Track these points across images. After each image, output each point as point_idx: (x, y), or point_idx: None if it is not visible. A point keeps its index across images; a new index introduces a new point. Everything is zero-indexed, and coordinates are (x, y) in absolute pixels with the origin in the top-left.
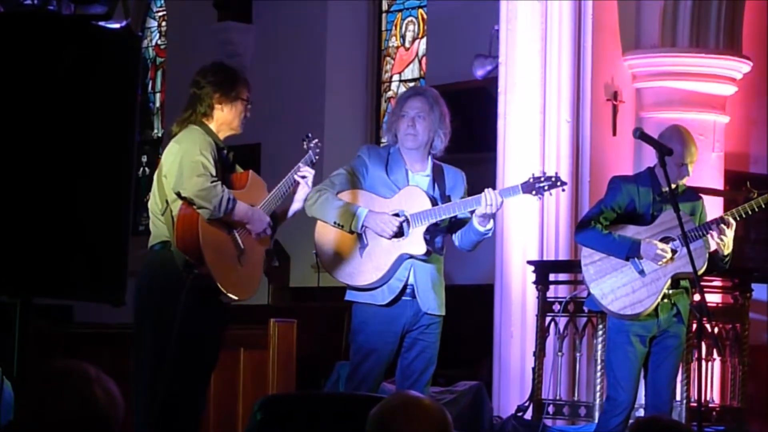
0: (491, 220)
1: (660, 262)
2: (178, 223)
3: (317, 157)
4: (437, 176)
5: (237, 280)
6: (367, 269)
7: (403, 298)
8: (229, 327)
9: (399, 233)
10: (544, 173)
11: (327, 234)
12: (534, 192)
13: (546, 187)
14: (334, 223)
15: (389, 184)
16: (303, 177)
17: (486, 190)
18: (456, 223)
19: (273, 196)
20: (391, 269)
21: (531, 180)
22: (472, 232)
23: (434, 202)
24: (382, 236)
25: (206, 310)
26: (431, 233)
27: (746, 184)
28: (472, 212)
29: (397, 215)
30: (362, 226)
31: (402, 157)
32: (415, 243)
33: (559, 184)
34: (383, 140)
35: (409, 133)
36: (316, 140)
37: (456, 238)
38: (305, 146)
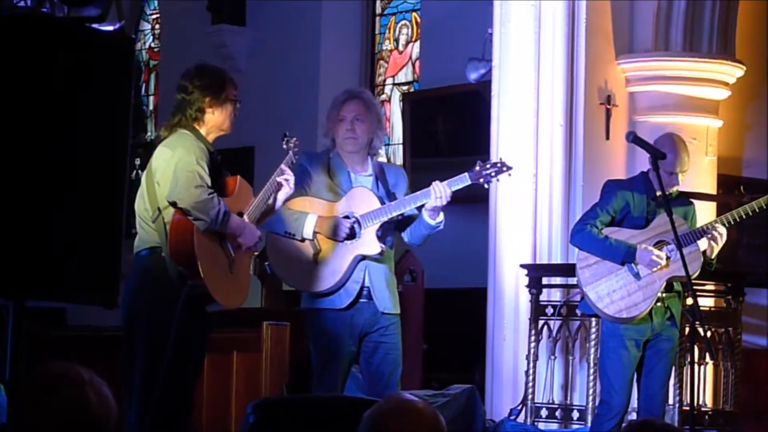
0: (441, 213)
1: (654, 269)
2: (172, 233)
3: (297, 157)
4: (379, 176)
5: (229, 289)
6: (324, 275)
7: (360, 300)
8: (215, 330)
9: (351, 235)
10: (490, 160)
11: (278, 245)
12: (482, 179)
13: (493, 174)
14: (285, 232)
15: (334, 188)
16: (286, 179)
17: (434, 182)
18: (404, 220)
19: (259, 200)
20: (347, 272)
21: (478, 168)
22: (422, 226)
23: (381, 201)
24: (335, 240)
25: (194, 317)
26: (382, 232)
27: (739, 188)
28: (420, 207)
29: (347, 217)
30: (313, 232)
31: (342, 160)
32: (368, 243)
33: (504, 169)
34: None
35: (348, 136)
36: (295, 139)
37: (405, 234)
38: (284, 146)
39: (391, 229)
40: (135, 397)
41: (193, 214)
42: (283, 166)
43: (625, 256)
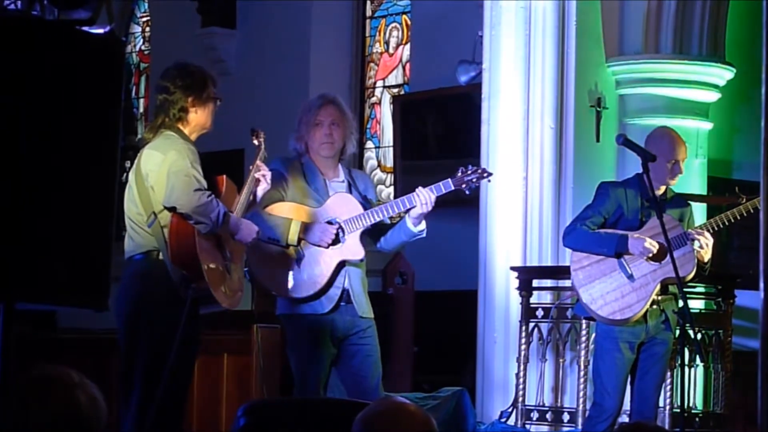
0: (423, 221)
1: (647, 257)
2: (172, 238)
3: (266, 153)
4: (351, 181)
5: (229, 290)
6: (307, 281)
7: (340, 304)
8: (205, 333)
9: (335, 241)
10: (471, 166)
11: (261, 251)
12: (464, 185)
13: (474, 180)
14: (269, 239)
15: (312, 193)
16: (263, 175)
17: (418, 189)
18: (376, 226)
19: (244, 198)
20: (331, 278)
21: (460, 174)
22: (403, 233)
23: (363, 207)
24: (320, 246)
25: (191, 319)
26: (361, 237)
27: (735, 189)
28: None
29: (330, 223)
30: (298, 238)
31: (316, 166)
32: (352, 249)
33: (485, 175)
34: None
35: (326, 141)
36: (264, 133)
37: (382, 240)
38: (254, 142)
39: (366, 234)
40: (135, 399)
41: (195, 218)
42: (258, 162)
43: (618, 245)
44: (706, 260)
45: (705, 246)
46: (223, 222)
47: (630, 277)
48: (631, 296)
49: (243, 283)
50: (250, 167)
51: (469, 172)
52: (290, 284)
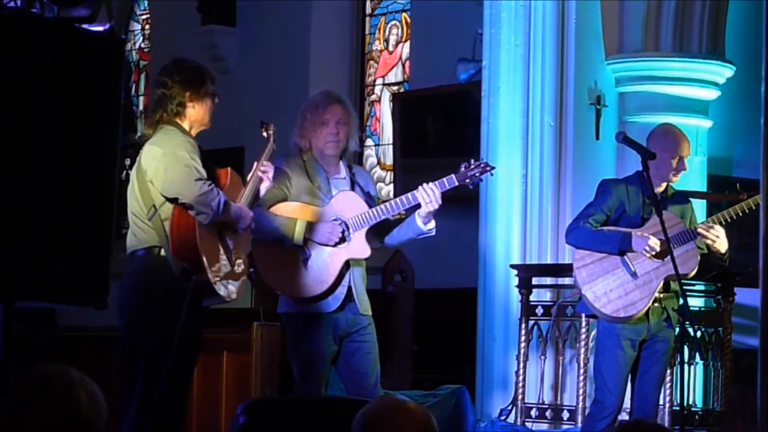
0: (433, 220)
1: (648, 255)
2: (173, 230)
3: (276, 144)
4: (353, 178)
5: (232, 281)
6: (314, 280)
7: (344, 302)
8: (205, 330)
9: (341, 240)
10: (473, 161)
11: (267, 251)
12: (468, 180)
13: (477, 174)
14: (275, 239)
15: (314, 191)
16: (265, 172)
17: (421, 186)
18: (381, 223)
19: (249, 191)
20: (338, 277)
21: (463, 169)
22: (411, 230)
23: (368, 205)
24: (327, 245)
25: (193, 313)
26: (366, 234)
27: (736, 186)
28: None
29: (335, 221)
30: (304, 237)
31: (319, 163)
32: (358, 247)
33: (488, 169)
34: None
35: (332, 140)
36: (273, 126)
37: (388, 237)
38: (264, 134)
39: (367, 231)
40: (136, 395)
41: (197, 209)
42: (264, 159)
43: (622, 243)
44: (723, 251)
45: (716, 238)
46: (224, 211)
47: (633, 274)
48: (635, 294)
49: (245, 277)
50: (255, 162)
51: (472, 167)
52: (298, 284)
